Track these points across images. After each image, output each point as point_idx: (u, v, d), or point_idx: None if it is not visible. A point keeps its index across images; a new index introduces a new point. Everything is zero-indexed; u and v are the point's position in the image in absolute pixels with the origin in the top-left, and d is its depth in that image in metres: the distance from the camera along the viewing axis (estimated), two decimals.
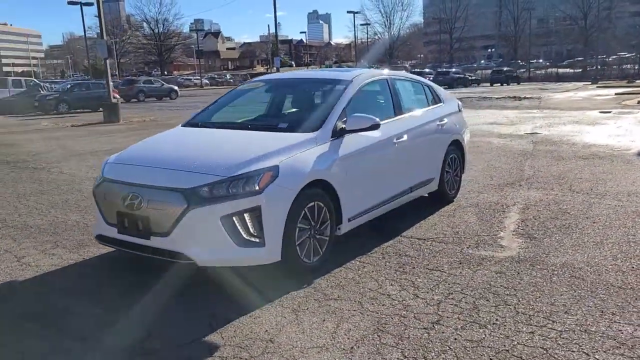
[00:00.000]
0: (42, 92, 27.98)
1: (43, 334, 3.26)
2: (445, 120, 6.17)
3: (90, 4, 46.17)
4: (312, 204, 4.11)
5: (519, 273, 4.15)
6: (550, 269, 4.23)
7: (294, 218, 3.93)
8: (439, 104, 6.31)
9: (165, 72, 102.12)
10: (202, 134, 4.86)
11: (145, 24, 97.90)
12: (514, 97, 28.89)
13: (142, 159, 4.23)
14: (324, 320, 3.39)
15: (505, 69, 58.58)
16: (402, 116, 5.42)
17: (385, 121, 5.19)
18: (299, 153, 4.11)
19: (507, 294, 3.76)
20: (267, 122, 5.05)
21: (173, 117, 21.58)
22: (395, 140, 5.13)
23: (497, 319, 3.39)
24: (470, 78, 53.32)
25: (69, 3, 45.84)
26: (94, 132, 16.03)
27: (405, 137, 5.28)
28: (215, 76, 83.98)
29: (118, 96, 27.62)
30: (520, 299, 3.67)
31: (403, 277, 4.11)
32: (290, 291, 3.85)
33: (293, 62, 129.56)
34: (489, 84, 52.45)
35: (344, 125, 4.52)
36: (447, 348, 3.04)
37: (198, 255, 3.69)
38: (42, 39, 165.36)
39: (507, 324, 3.32)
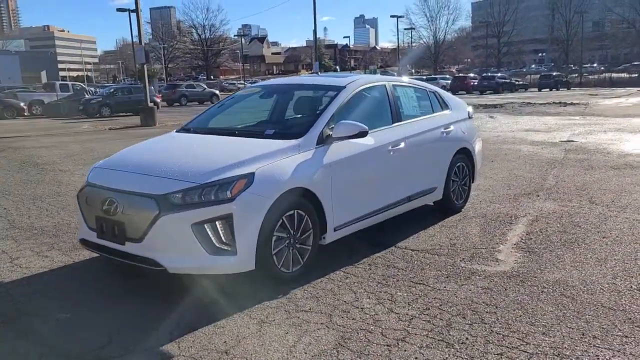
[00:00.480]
0: (86, 96, 28.98)
1: (1, 337, 3.32)
2: (452, 127, 6.00)
3: (134, 11, 47.61)
4: (291, 212, 4.05)
5: (506, 289, 3.97)
6: (540, 285, 4.02)
7: (270, 227, 3.88)
8: (445, 111, 6.14)
9: (212, 77, 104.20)
10: (190, 140, 4.88)
11: (193, 30, 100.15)
12: (559, 102, 27.99)
13: (124, 165, 4.28)
14: (286, 333, 3.32)
15: (554, 73, 56.92)
16: (400, 123, 5.29)
17: (381, 128, 5.11)
18: (278, 160, 4.06)
19: (487, 312, 3.60)
20: (255, 128, 5.02)
21: None
22: (390, 148, 5.01)
23: (467, 338, 3.24)
24: (517, 83, 52.02)
25: (117, 10, 47.36)
26: (128, 136, 16.44)
27: (402, 145, 5.15)
28: (258, 80, 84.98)
29: (159, 100, 28.37)
30: (499, 318, 3.50)
31: (383, 290, 4.00)
32: (263, 301, 3.80)
33: (338, 67, 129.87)
34: (537, 89, 51.00)
35: (331, 132, 4.45)
36: None
37: (169, 262, 3.69)
38: (97, 45, 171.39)
39: (477, 344, 3.17)
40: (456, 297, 3.86)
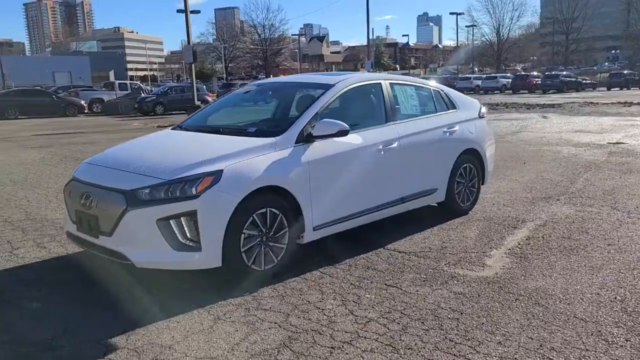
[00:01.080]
0: (142, 94, 30.11)
1: None
2: (456, 127, 5.83)
3: (198, 12, 49.01)
4: (263, 210, 4.07)
5: (479, 295, 3.84)
6: (517, 293, 3.86)
7: (239, 224, 3.91)
8: (451, 111, 5.97)
9: (271, 76, 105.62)
10: (177, 137, 4.99)
11: (253, 30, 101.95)
12: (625, 102, 26.57)
13: (107, 161, 4.43)
14: (236, 331, 3.35)
15: (625, 71, 54.01)
16: (395, 123, 5.19)
17: (371, 128, 5.05)
18: (251, 158, 4.08)
19: (449, 317, 3.49)
20: (240, 126, 5.05)
21: None
22: (381, 148, 4.94)
23: (416, 344, 3.16)
24: (584, 81, 49.76)
25: (178, 11, 48.87)
26: None
27: (395, 145, 5.06)
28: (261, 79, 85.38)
29: (210, 99, 29.10)
30: (459, 324, 3.39)
31: (353, 292, 3.95)
32: (228, 298, 3.84)
33: (397, 66, 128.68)
34: (605, 89, 48.62)
35: (311, 131, 4.44)
36: None
37: (136, 256, 3.79)
38: (164, 45, 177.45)
39: (424, 350, 3.08)
40: (424, 301, 3.76)
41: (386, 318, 3.51)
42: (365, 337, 3.25)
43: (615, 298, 3.74)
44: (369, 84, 5.33)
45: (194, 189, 3.77)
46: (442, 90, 6.06)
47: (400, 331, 3.32)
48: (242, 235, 3.95)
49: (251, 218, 4.00)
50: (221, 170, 3.89)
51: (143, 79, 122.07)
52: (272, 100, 5.61)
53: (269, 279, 4.15)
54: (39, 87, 32.35)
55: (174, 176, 3.84)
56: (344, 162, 4.65)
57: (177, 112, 28.49)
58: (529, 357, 2.98)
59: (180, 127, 5.25)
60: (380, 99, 5.25)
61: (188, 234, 3.78)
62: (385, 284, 4.10)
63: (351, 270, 4.41)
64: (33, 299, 3.90)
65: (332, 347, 3.13)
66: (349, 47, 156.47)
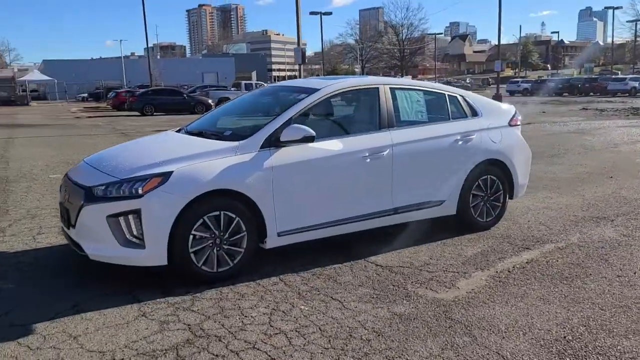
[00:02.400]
0: None
1: None
2: (474, 136, 5.43)
3: (329, 14, 50.28)
4: (216, 213, 4.15)
5: (416, 319, 3.59)
6: (457, 320, 3.55)
7: (187, 225, 4.03)
8: (470, 118, 5.57)
9: (410, 76, 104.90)
10: (163, 138, 5.24)
11: (391, 29, 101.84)
12: None
13: (94, 159, 4.80)
14: (146, 329, 3.48)
15: None
16: (390, 129, 4.98)
17: (359, 134, 4.94)
18: (206, 161, 4.19)
19: (362, 338, 3.32)
20: (220, 129, 5.13)
21: None
22: (367, 155, 4.78)
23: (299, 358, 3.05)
24: None
25: (310, 13, 50.64)
26: None
27: (387, 152, 4.87)
28: (452, 80, 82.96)
29: None
30: (366, 346, 3.22)
31: (292, 302, 3.90)
32: (168, 297, 3.98)
33: (549, 65, 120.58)
34: None
35: (279, 136, 4.43)
36: None
37: (89, 249, 4.09)
38: (308, 47, 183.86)
39: None
40: (353, 319, 3.61)
41: (298, 332, 3.43)
42: (257, 349, 3.21)
43: (565, 337, 3.29)
44: (362, 89, 5.18)
45: (140, 189, 3.97)
46: (462, 96, 5.66)
47: (299, 347, 3.23)
48: (191, 236, 4.07)
49: (202, 220, 4.10)
50: (171, 172, 4.05)
51: (284, 79, 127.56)
52: (260, 104, 5.67)
53: (223, 281, 4.22)
54: (173, 87, 35.30)
55: (126, 175, 4.08)
56: (317, 168, 4.58)
57: None
58: None
59: (179, 130, 5.48)
60: (375, 104, 5.06)
61: (134, 232, 3.99)
62: (331, 297, 3.98)
63: (311, 279, 4.34)
64: (10, 282, 4.37)
65: (216, 356, 3.13)
66: (494, 45, 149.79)
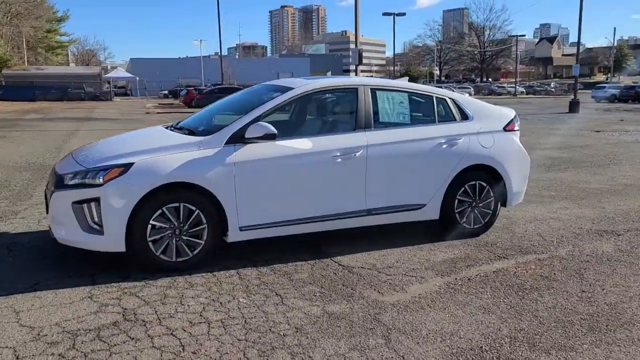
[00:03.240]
0: None
1: None
2: (461, 140, 5.32)
3: (403, 14, 49.85)
4: (175, 204, 4.34)
5: (342, 319, 3.61)
6: (382, 323, 3.54)
7: (145, 215, 4.25)
8: (458, 121, 5.45)
9: (489, 79, 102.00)
10: (145, 133, 5.52)
11: (472, 31, 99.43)
12: None
13: (80, 151, 5.12)
14: (84, 309, 3.70)
15: None
16: (366, 130, 4.98)
17: (331, 134, 5.00)
18: (168, 154, 4.39)
19: (280, 333, 3.39)
20: (196, 125, 5.27)
21: None
22: (337, 155, 4.81)
23: (199, 350, 3.17)
24: None
25: (383, 14, 50.46)
26: None
27: (360, 154, 4.88)
28: (535, 84, 79.80)
29: None
30: (270, 341, 3.28)
31: (235, 294, 4.01)
32: (123, 281, 4.20)
33: None
34: None
35: (244, 133, 4.56)
36: None
37: (57, 233, 4.41)
38: (387, 48, 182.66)
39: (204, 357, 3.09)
40: (283, 315, 3.68)
41: (222, 323, 3.55)
42: (174, 336, 3.35)
43: (481, 347, 3.21)
44: (340, 89, 5.21)
45: (101, 178, 4.23)
46: (451, 99, 5.55)
47: (213, 337, 3.35)
48: (150, 226, 4.28)
49: (160, 211, 4.30)
50: (132, 164, 4.28)
51: None
52: (249, 101, 5.78)
53: (182, 270, 4.40)
54: (237, 86, 36.20)
55: (92, 165, 4.35)
56: (282, 166, 4.66)
57: None
58: None
59: (169, 126, 5.65)
60: (353, 105, 5.08)
61: (95, 218, 4.25)
62: (275, 293, 4.07)
63: (267, 274, 4.44)
64: (9, 255, 4.79)
65: (131, 339, 3.30)
66: (586, 48, 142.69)
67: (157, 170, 4.29)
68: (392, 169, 5.07)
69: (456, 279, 4.37)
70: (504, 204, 5.68)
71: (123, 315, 3.64)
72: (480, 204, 5.50)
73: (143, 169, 4.28)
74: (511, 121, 5.73)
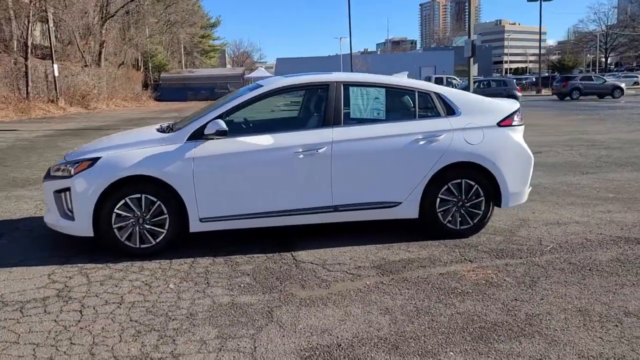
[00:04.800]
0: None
1: None
2: (441, 136, 5.11)
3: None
4: (137, 195, 4.79)
5: (237, 309, 3.78)
6: (266, 315, 3.65)
7: (110, 204, 4.74)
8: (442, 117, 5.22)
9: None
10: (132, 131, 6.01)
11: None
12: None
13: (80, 147, 5.76)
14: (34, 284, 4.29)
15: None
16: (334, 127, 5.01)
17: (295, 131, 5.12)
18: (133, 150, 4.84)
19: (170, 317, 3.66)
20: (181, 125, 5.57)
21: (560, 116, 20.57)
22: (300, 151, 4.92)
23: (103, 328, 3.54)
24: None
25: (528, 0, 47.53)
26: None
27: (324, 150, 4.94)
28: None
29: (520, 94, 28.00)
30: (154, 324, 3.56)
31: (169, 280, 4.34)
32: (89, 262, 4.74)
33: None
34: None
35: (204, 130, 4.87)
36: None
37: (46, 218, 5.10)
38: (547, 35, 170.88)
39: (92, 337, 3.46)
40: (191, 302, 3.92)
41: (131, 304, 3.89)
42: (79, 312, 3.77)
43: (328, 345, 3.19)
44: (312, 85, 5.28)
45: (72, 170, 4.81)
46: (437, 93, 5.32)
47: (107, 314, 3.71)
48: (114, 214, 4.78)
49: (124, 201, 4.78)
50: (99, 158, 4.81)
51: (516, 71, 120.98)
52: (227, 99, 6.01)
53: (146, 256, 4.84)
54: None
55: (71, 159, 4.96)
56: (240, 161, 4.88)
57: None
58: None
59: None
60: (322, 101, 5.14)
61: (69, 206, 4.85)
62: (207, 282, 4.32)
63: (217, 264, 4.70)
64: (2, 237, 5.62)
65: (47, 313, 3.78)
66: None
67: (120, 164, 4.76)
68: (360, 165, 5.04)
69: (392, 279, 4.27)
70: (498, 205, 5.33)
71: (59, 291, 4.15)
72: (468, 204, 5.23)
73: (107, 162, 4.78)
74: (509, 116, 5.35)
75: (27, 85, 28.89)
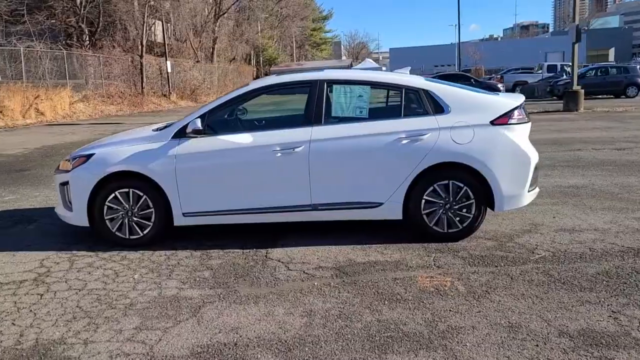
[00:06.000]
0: (564, 76, 28.75)
1: None
2: (426, 135, 4.95)
3: None
4: (126, 190, 5.18)
5: (166, 303, 3.99)
6: (186, 310, 3.82)
7: (101, 197, 5.17)
8: (430, 115, 5.02)
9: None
10: (134, 130, 6.35)
11: None
12: None
13: (94, 143, 6.25)
14: (23, 268, 4.80)
15: None
16: (314, 125, 5.04)
17: (274, 129, 5.26)
18: (123, 147, 5.23)
19: (111, 306, 3.96)
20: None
21: None
22: (277, 150, 5.02)
23: (48, 313, 3.93)
24: None
25: None
26: (540, 121, 16.27)
27: (301, 149, 5.00)
28: None
29: None
30: (93, 311, 3.87)
31: (137, 271, 4.65)
32: (86, 251, 5.20)
33: None
34: None
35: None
36: None
37: (56, 208, 5.64)
38: None
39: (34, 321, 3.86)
40: (138, 293, 4.17)
41: (89, 291, 4.24)
42: (39, 295, 4.19)
43: (223, 344, 3.28)
44: (294, 83, 5.32)
45: (70, 165, 5.30)
46: (426, 90, 5.12)
47: (63, 299, 4.08)
48: (106, 206, 5.20)
49: (114, 194, 5.18)
50: (92, 154, 5.25)
51: None
52: None
53: (133, 247, 5.21)
54: (462, 72, 35.03)
55: (73, 155, 5.45)
56: (220, 159, 5.08)
57: (598, 96, 26.20)
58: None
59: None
60: (305, 100, 5.19)
61: (68, 198, 5.35)
62: (169, 275, 4.54)
63: (192, 257, 4.94)
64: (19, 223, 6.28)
65: (9, 295, 4.24)
66: None
67: (109, 160, 5.17)
68: (339, 164, 5.03)
69: (342, 281, 4.25)
70: (492, 208, 5.06)
71: (39, 275, 4.61)
72: (456, 206, 5.02)
73: (99, 158, 5.20)
74: (505, 114, 5.04)
75: (142, 81, 31.37)
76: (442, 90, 5.18)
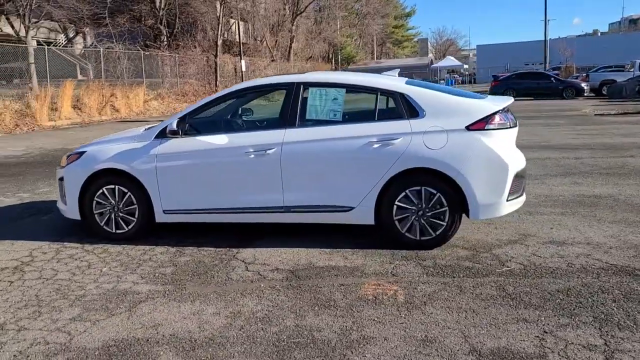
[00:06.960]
0: None
1: None
2: (397, 139, 4.87)
3: None
4: (111, 186, 5.48)
5: (114, 297, 4.20)
6: (128, 305, 4.00)
7: (90, 193, 5.50)
8: (403, 119, 4.92)
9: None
10: (129, 130, 6.59)
11: None
12: None
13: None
14: (10, 256, 5.21)
15: None
16: (287, 128, 5.11)
17: (249, 131, 5.40)
18: (111, 146, 5.54)
19: (65, 297, 4.23)
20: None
21: None
22: (250, 151, 5.12)
23: (21, 300, 4.26)
24: None
25: None
26: (612, 123, 15.44)
27: (273, 151, 5.08)
28: None
29: None
30: (48, 303, 4.16)
31: (107, 265, 4.93)
32: (75, 243, 5.56)
33: None
34: None
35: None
36: None
37: (58, 202, 6.05)
38: None
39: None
40: (96, 286, 4.42)
41: (53, 281, 4.54)
42: (3, 282, 4.53)
43: (145, 340, 3.43)
44: (272, 86, 5.39)
45: (65, 161, 5.67)
46: (401, 94, 5.02)
47: (24, 287, 4.40)
48: (94, 201, 5.53)
49: (101, 190, 5.50)
50: (84, 152, 5.59)
51: None
52: None
53: (118, 240, 5.52)
54: (541, 70, 33.41)
55: (70, 153, 5.83)
56: (196, 159, 5.26)
57: None
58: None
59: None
60: (283, 102, 5.26)
61: (63, 192, 5.73)
62: (134, 270, 4.74)
63: (165, 253, 5.14)
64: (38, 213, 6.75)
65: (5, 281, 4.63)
66: None
67: (97, 158, 5.49)
68: (310, 167, 5.06)
69: (289, 284, 4.29)
70: (467, 215, 4.91)
71: (21, 264, 4.98)
72: (429, 213, 4.91)
73: (90, 156, 5.54)
74: (482, 119, 4.85)
75: (215, 80, 32.49)
76: (419, 94, 5.06)
